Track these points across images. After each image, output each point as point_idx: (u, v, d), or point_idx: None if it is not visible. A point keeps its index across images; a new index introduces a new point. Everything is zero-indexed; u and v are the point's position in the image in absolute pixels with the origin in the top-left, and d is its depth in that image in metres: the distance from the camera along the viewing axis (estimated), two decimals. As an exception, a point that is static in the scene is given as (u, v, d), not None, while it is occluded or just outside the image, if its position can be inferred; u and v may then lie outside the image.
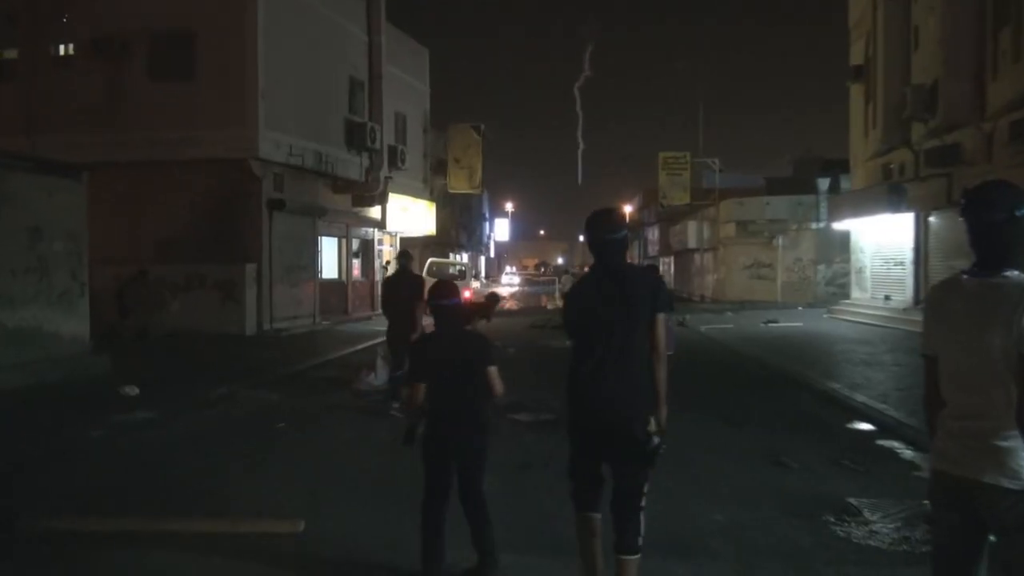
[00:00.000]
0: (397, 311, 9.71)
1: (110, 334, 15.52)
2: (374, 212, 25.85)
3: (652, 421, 3.76)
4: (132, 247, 18.41)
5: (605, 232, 3.96)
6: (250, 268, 18.23)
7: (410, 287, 9.91)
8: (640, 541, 3.78)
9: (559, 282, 31.22)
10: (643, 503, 3.79)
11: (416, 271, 10.98)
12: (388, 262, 28.96)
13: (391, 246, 29.78)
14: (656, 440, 3.73)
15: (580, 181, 58.00)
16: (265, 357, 14.42)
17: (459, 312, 4.43)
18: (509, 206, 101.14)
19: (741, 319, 24.01)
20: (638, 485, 3.79)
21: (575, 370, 3.85)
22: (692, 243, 38.08)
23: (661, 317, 3.85)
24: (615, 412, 3.76)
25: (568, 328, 3.94)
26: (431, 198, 32.19)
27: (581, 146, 57.38)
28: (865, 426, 8.65)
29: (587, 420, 3.84)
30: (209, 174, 18.21)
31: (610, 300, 3.84)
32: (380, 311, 10.59)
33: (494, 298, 12.86)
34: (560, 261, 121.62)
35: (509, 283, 67.08)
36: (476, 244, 66.07)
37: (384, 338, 10.10)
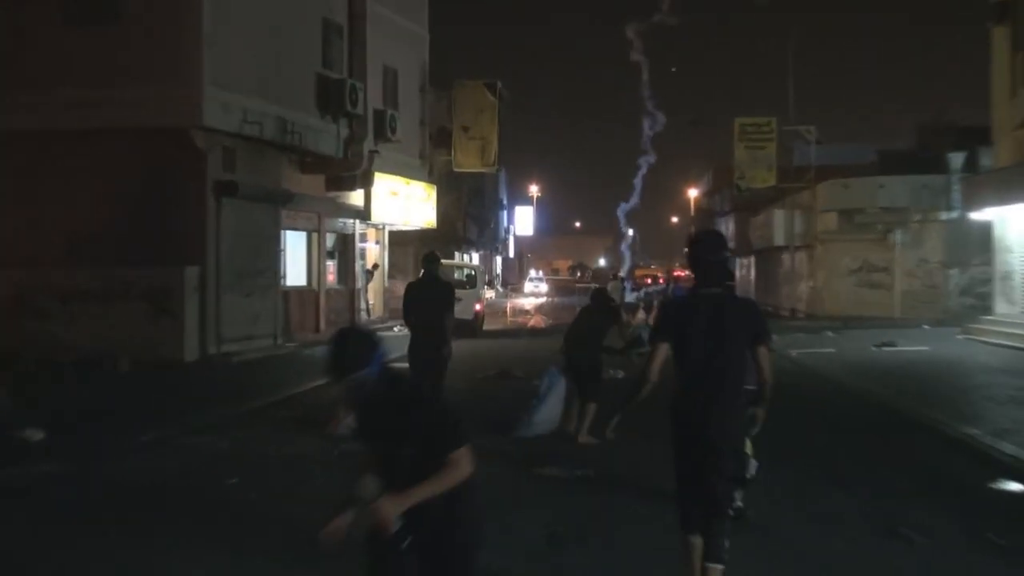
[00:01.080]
0: (423, 324, 10.91)
1: (8, 358, 15.70)
2: (355, 198, 26.02)
3: (748, 443, 5.40)
4: (33, 244, 18.65)
5: (710, 253, 5.22)
6: (191, 273, 18.45)
7: (439, 295, 11.02)
8: (726, 551, 5.12)
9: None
10: (730, 514, 5.29)
11: (444, 276, 11.96)
12: (375, 265, 29.19)
13: (376, 242, 29.99)
14: (753, 463, 5.36)
15: (647, 149, 57.60)
16: (211, 390, 14.54)
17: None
18: (534, 190, 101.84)
19: (846, 341, 23.91)
20: (729, 502, 5.29)
21: (681, 396, 5.22)
22: (779, 239, 38.00)
23: (763, 351, 5.10)
24: (716, 442, 5.07)
25: (675, 356, 5.22)
26: (430, 180, 32.36)
27: (647, 108, 57.35)
28: (1015, 486, 8.65)
29: (690, 446, 5.15)
30: (137, 147, 18.40)
31: (710, 327, 5.11)
32: (402, 322, 11.94)
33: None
34: (602, 263, 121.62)
35: (534, 290, 67.25)
36: (490, 241, 66.32)
37: (407, 358, 10.99)
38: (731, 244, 50.45)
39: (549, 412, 11.07)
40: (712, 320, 5.10)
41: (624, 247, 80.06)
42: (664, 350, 5.28)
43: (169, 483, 8.98)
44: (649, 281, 77.16)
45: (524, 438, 10.83)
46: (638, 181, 66.98)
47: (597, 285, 18.67)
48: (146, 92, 17.95)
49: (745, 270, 48.11)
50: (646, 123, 59.45)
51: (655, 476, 9.31)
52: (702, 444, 5.09)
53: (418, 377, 10.93)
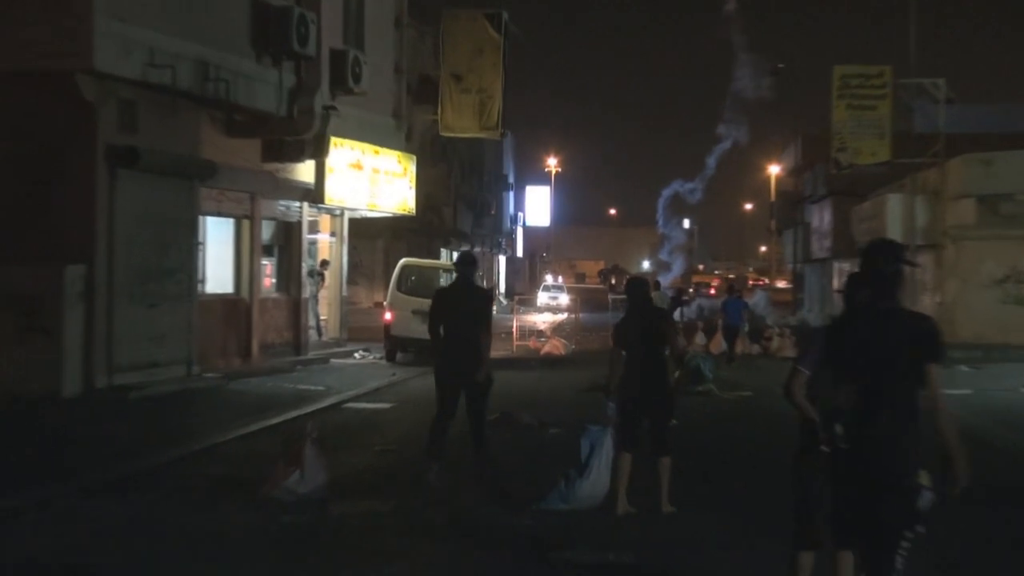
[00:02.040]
0: (453, 342, 12.16)
1: None
2: (303, 172, 26.10)
3: (923, 474, 6.09)
4: None
5: (887, 262, 6.38)
6: (73, 273, 18.52)
7: (473, 304, 12.30)
8: None
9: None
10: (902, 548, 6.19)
11: (477, 281, 13.26)
12: (324, 262, 29.28)
13: (332, 235, 30.07)
14: (927, 495, 6.05)
15: (729, 118, 57.63)
16: (101, 438, 14.57)
17: None
18: (552, 164, 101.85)
19: (987, 379, 23.78)
20: (902, 535, 6.12)
21: (857, 412, 6.25)
22: (893, 235, 37.88)
23: (933, 368, 6.16)
24: (887, 465, 6.15)
25: (846, 370, 6.37)
26: (408, 148, 32.45)
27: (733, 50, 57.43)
28: None
29: (855, 465, 6.22)
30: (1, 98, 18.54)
31: (880, 342, 6.26)
32: (426, 336, 12.98)
33: None
34: (646, 265, 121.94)
35: (551, 303, 67.32)
36: (491, 234, 66.49)
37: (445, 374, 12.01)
38: (826, 241, 50.67)
39: (595, 484, 11.13)
40: (886, 338, 6.24)
41: (668, 245, 79.93)
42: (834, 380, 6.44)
43: (39, 573, 9.01)
44: (695, 292, 77.30)
45: (551, 511, 10.93)
46: (712, 159, 67.08)
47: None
48: (15, 25, 18.01)
49: (845, 272, 48.26)
50: (737, 76, 59.44)
51: (722, 566, 9.34)
52: (877, 484, 6.13)
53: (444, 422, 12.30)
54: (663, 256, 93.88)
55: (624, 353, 11.26)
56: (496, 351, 32.28)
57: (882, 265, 6.41)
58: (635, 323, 11.40)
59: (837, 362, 6.46)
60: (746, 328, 34.00)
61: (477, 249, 58.20)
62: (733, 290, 34.30)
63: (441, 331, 12.46)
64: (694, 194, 73.64)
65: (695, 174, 69.55)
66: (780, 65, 65.17)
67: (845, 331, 6.51)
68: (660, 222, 78.70)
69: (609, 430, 11.24)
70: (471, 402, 12.44)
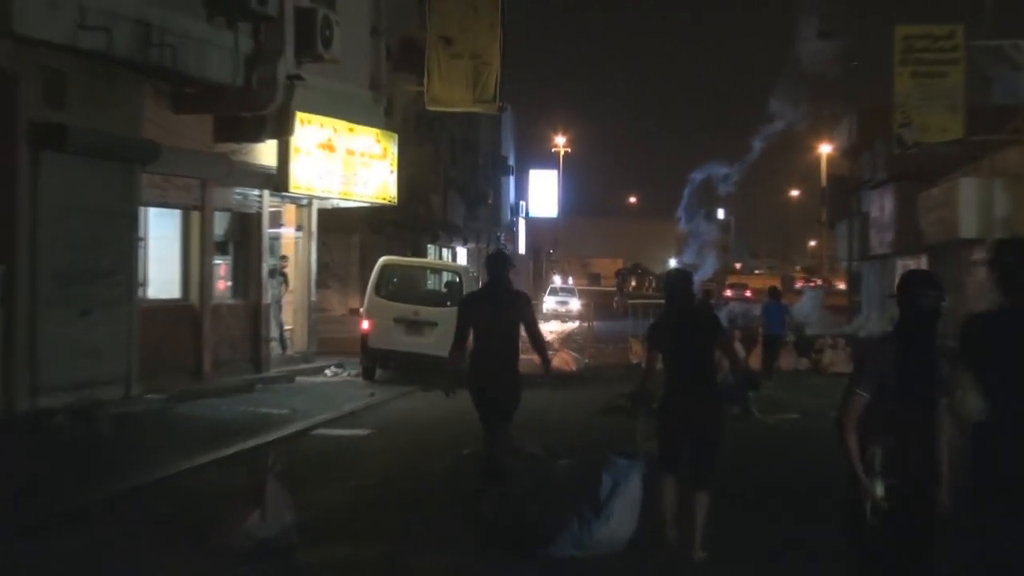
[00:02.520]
0: (489, 351, 12.51)
1: None
2: (263, 154, 26.08)
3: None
4: None
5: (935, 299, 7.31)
6: (-10, 275, 18.48)
7: (509, 310, 12.63)
8: None
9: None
10: None
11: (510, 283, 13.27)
12: (283, 257, 29.20)
13: (298, 228, 30.04)
14: None
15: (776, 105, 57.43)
16: (19, 472, 14.53)
17: None
18: (561, 143, 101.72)
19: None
20: None
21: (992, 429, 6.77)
22: (968, 227, 37.91)
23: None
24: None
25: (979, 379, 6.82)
26: (388, 125, 32.42)
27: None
28: None
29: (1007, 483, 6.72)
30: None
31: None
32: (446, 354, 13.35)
33: None
34: (673, 264, 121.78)
35: (560, 309, 67.17)
36: (487, 226, 66.27)
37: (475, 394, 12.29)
38: (887, 234, 50.63)
39: (616, 526, 11.09)
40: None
41: (695, 241, 79.28)
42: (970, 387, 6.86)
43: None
44: (729, 294, 77.16)
45: (562, 558, 10.92)
46: (759, 141, 66.45)
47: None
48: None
49: (901, 277, 48.16)
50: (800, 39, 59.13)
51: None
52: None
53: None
54: (687, 258, 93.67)
55: (661, 361, 11.31)
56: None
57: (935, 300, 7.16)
58: (676, 325, 11.39)
59: (972, 368, 6.78)
60: (789, 338, 33.95)
61: (471, 245, 58.26)
62: (775, 294, 34.24)
63: (470, 344, 12.79)
64: (728, 181, 73.06)
65: (733, 157, 68.62)
66: (827, 29, 64.71)
67: (983, 333, 6.90)
68: (681, 215, 78.21)
69: (638, 464, 11.16)
70: (496, 421, 12.74)
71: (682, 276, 12.04)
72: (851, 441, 7.08)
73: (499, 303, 12.67)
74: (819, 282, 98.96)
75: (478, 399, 12.72)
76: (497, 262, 13.03)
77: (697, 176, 72.18)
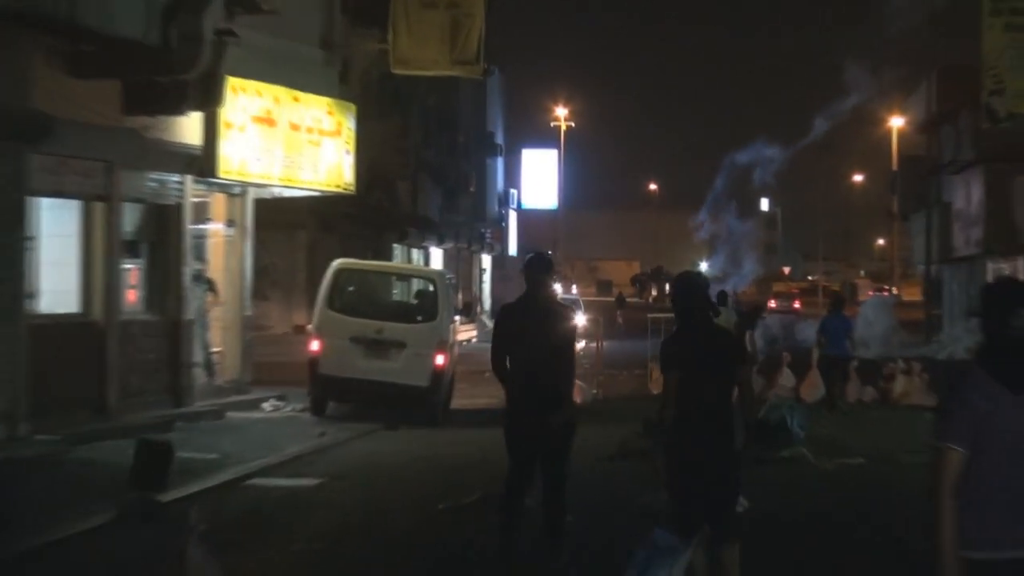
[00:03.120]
0: (525, 376, 12.98)
1: None
2: (186, 130, 26.10)
3: None
4: None
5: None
6: None
7: (551, 327, 13.02)
8: None
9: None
10: None
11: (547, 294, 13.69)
12: (201, 268, 29.17)
13: (229, 224, 30.00)
14: None
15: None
16: None
17: None
18: (562, 115, 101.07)
19: None
20: None
21: None
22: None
23: None
24: None
25: None
26: (343, 93, 32.43)
27: None
28: None
29: None
30: None
31: None
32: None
33: None
34: (704, 268, 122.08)
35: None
36: (469, 222, 66.15)
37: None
38: (974, 230, 50.62)
39: None
40: None
41: (727, 240, 78.77)
42: None
43: None
44: (773, 305, 77.04)
45: None
46: (821, 121, 66.23)
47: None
48: None
49: (984, 288, 48.24)
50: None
51: None
52: None
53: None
54: (713, 265, 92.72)
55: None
56: (472, 397, 32.65)
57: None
58: (691, 345, 11.37)
59: None
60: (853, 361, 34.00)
61: (448, 244, 58.32)
62: (837, 303, 34.20)
63: (507, 364, 13.13)
64: (767, 168, 72.48)
65: (780, 138, 67.78)
66: None
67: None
68: (704, 217, 77.95)
69: (686, 545, 10.72)
70: (547, 463, 12.95)
71: (694, 282, 11.99)
72: (947, 519, 6.54)
73: (538, 316, 12.96)
74: (889, 290, 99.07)
75: (510, 424, 13.16)
76: (538, 268, 13.19)
77: (741, 159, 71.54)
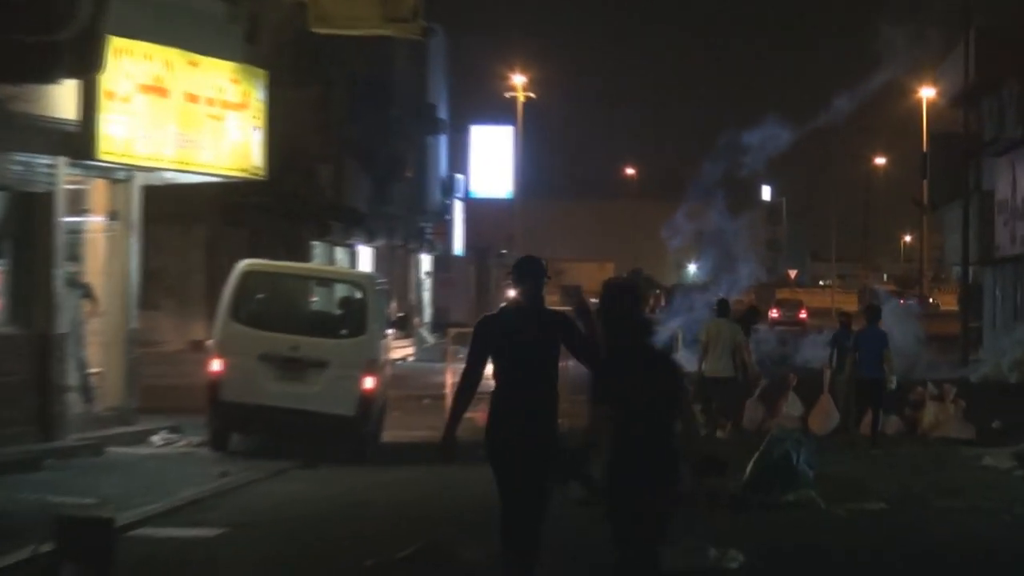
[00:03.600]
0: (516, 393, 13.20)
1: None
2: (57, 103, 26.08)
3: None
4: None
5: None
6: None
7: (546, 338, 13.37)
8: None
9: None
10: None
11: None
12: (76, 271, 29.09)
13: (111, 218, 29.90)
14: None
15: None
16: None
17: None
18: (520, 84, 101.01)
19: None
20: None
21: None
22: None
23: None
24: None
25: None
26: (251, 56, 32.36)
27: None
28: None
29: None
30: None
31: None
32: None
33: None
34: (692, 271, 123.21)
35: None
36: (408, 214, 66.12)
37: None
38: (1016, 222, 50.77)
39: None
40: None
41: (716, 238, 78.90)
42: None
43: None
44: (775, 315, 77.30)
45: None
46: (843, 102, 66.19)
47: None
48: None
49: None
50: None
51: None
52: None
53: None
54: (700, 267, 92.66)
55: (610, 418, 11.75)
56: (406, 427, 32.66)
57: None
58: (626, 368, 11.90)
59: None
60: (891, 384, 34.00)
61: (380, 242, 58.38)
62: (874, 313, 34.13)
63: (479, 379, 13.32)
64: (767, 148, 72.16)
65: (786, 117, 67.09)
66: None
67: None
68: (673, 231, 78.00)
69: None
70: (528, 497, 13.14)
71: (622, 293, 12.52)
72: None
73: (531, 326, 13.23)
74: (921, 297, 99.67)
75: (495, 450, 13.22)
76: (529, 271, 13.52)
77: (738, 139, 70.98)
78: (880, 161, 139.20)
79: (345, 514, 18.85)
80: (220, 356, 27.65)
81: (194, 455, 27.26)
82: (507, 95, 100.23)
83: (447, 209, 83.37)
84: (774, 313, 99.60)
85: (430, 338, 63.75)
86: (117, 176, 29.30)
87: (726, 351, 31.71)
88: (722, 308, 34.35)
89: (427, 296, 77.49)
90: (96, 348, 29.54)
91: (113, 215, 29.87)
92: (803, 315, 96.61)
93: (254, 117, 31.50)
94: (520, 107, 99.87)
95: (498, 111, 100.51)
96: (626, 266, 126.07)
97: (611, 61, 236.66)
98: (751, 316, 38.08)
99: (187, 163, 29.62)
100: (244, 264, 29.52)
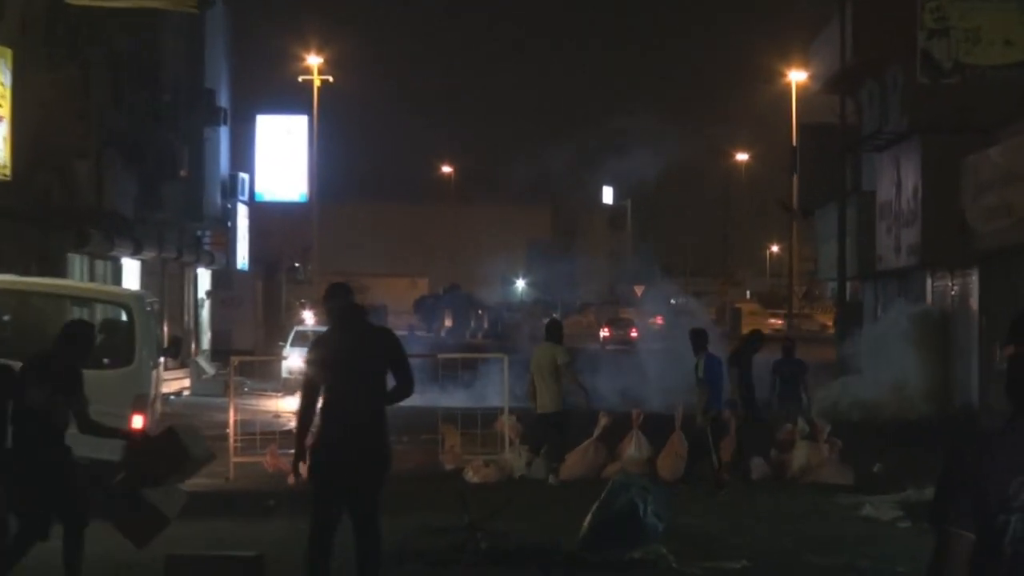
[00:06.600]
0: (344, 410, 14.16)
1: None
2: None
3: None
4: None
5: None
6: None
7: (373, 354, 14.40)
8: None
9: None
10: None
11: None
12: None
13: None
14: None
15: None
16: None
17: None
18: (315, 65, 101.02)
19: None
20: None
21: None
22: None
23: None
24: None
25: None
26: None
27: None
28: None
29: None
30: None
31: None
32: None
33: None
34: (520, 286, 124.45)
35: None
36: (180, 221, 65.96)
37: None
38: (909, 230, 51.33)
39: None
40: None
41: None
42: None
43: None
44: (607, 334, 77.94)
45: None
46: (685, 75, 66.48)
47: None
48: None
49: (954, 298, 48.96)
50: None
51: None
52: None
53: None
54: (529, 283, 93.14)
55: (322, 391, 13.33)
56: (194, 477, 32.40)
57: None
58: (339, 344, 13.70)
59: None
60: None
61: (149, 253, 58.25)
62: (698, 336, 34.34)
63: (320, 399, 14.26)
64: (618, 136, 72.61)
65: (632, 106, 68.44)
66: None
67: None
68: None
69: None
70: (360, 517, 14.35)
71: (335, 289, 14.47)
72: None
73: (359, 343, 14.27)
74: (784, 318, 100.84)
75: (321, 463, 14.15)
76: (340, 295, 14.57)
77: (590, 132, 71.77)
78: (742, 157, 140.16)
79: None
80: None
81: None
82: (301, 79, 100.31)
83: (229, 215, 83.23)
84: (605, 331, 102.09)
85: (209, 368, 63.61)
86: None
87: (552, 380, 31.99)
88: (550, 331, 34.49)
89: (205, 317, 77.28)
90: None
91: None
92: (634, 333, 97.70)
93: (-2, 105, 31.39)
94: (316, 93, 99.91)
95: (290, 98, 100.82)
96: (442, 280, 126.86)
97: (426, 41, 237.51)
98: (756, 341, 37.30)
99: None
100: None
